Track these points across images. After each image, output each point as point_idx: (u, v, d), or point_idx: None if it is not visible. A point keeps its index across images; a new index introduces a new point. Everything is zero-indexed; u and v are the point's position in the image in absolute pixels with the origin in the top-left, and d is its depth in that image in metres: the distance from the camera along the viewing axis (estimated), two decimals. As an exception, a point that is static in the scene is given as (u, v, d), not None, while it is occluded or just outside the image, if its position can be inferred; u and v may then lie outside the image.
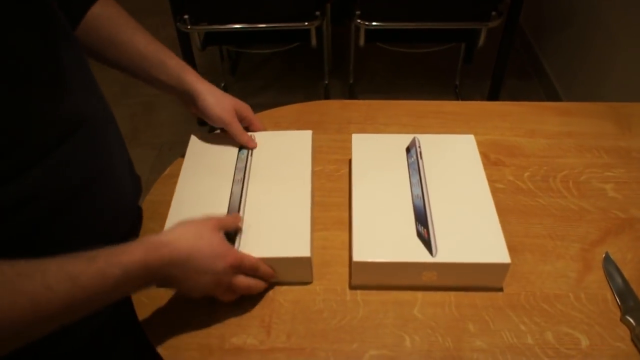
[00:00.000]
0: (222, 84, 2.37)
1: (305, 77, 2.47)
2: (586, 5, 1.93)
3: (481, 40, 1.78)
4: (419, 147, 0.73)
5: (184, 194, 0.67)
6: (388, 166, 0.70)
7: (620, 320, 0.58)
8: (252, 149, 0.73)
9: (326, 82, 2.32)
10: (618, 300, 0.59)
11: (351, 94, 2.33)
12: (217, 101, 0.71)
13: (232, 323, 0.58)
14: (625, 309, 0.58)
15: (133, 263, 0.47)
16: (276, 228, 0.61)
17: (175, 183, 0.76)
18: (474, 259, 0.58)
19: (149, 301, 0.60)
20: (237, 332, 0.58)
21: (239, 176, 0.69)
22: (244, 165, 0.71)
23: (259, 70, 2.54)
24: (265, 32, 1.84)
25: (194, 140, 0.76)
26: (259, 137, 0.75)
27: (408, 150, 0.72)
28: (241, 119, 0.75)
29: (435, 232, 0.61)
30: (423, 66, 2.49)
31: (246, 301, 0.60)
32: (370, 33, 1.84)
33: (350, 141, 0.80)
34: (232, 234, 0.60)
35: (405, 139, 0.74)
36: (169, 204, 0.72)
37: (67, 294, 0.43)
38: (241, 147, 0.74)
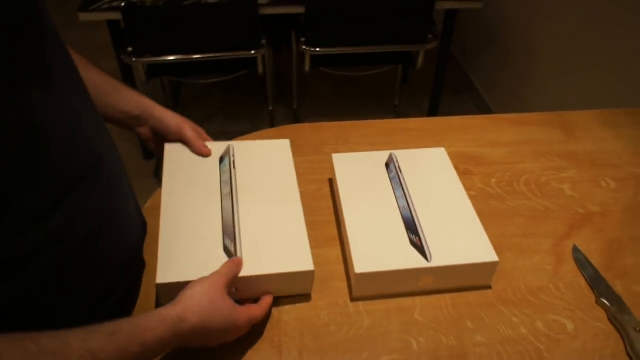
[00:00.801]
0: (166, 116, 2.34)
1: (248, 104, 2.49)
2: (508, 25, 2.11)
3: (420, 62, 1.89)
4: (397, 162, 0.77)
5: (173, 213, 0.66)
6: (371, 182, 0.74)
7: (596, 303, 0.64)
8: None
9: (270, 108, 2.35)
10: (591, 286, 0.66)
11: (296, 119, 2.37)
12: (174, 114, 0.76)
13: (244, 348, 0.59)
14: (599, 293, 0.65)
15: (153, 341, 0.48)
16: (275, 243, 0.63)
17: (159, 214, 0.75)
18: (465, 260, 0.62)
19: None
20: (250, 356, 0.58)
21: (227, 190, 0.69)
22: (228, 177, 0.71)
23: (201, 99, 2.53)
24: (209, 61, 1.85)
25: (170, 150, 0.75)
26: (237, 147, 0.76)
27: (387, 165, 0.77)
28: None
29: (427, 240, 0.65)
30: (363, 88, 2.60)
31: (253, 325, 0.61)
32: (315, 58, 1.91)
33: (327, 162, 0.84)
34: (233, 254, 0.61)
35: (382, 156, 0.79)
36: (155, 236, 0.71)
37: None
38: (222, 159, 0.74)
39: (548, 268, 0.68)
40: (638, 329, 0.60)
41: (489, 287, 0.66)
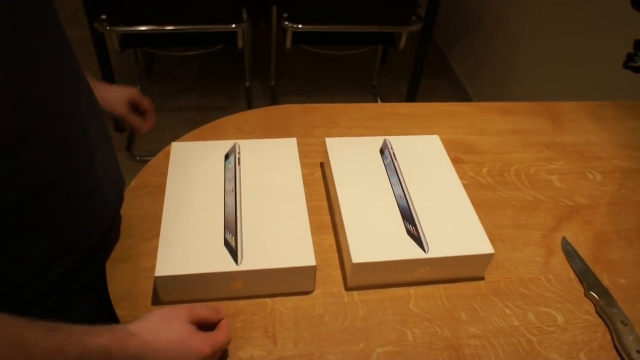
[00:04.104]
0: (138, 88, 2.26)
1: (224, 79, 2.43)
2: (489, 10, 2.11)
3: (402, 43, 1.87)
4: (392, 148, 0.76)
5: (175, 208, 0.64)
6: (366, 168, 0.72)
7: (585, 296, 0.65)
8: (238, 159, 0.72)
9: (248, 84, 2.30)
10: (580, 279, 0.67)
11: (273, 96, 2.33)
12: (105, 96, 0.73)
13: (236, 337, 0.57)
14: (588, 286, 0.66)
15: (95, 347, 0.44)
16: (277, 238, 0.61)
17: (145, 195, 0.72)
18: (462, 252, 0.62)
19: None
20: (243, 345, 0.57)
21: (230, 186, 0.67)
22: (233, 174, 0.69)
23: (176, 73, 2.45)
24: (186, 34, 1.79)
25: (176, 150, 0.73)
26: (244, 145, 0.74)
27: (382, 152, 0.75)
28: (136, 106, 0.81)
29: (424, 230, 0.64)
30: (342, 68, 2.57)
31: (246, 314, 0.59)
32: (296, 35, 1.86)
33: (318, 145, 0.82)
34: (234, 248, 0.59)
35: (376, 141, 0.77)
36: (141, 218, 0.69)
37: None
38: (227, 156, 0.72)
39: (539, 260, 0.69)
40: (625, 322, 0.61)
41: (482, 279, 0.66)
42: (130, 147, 1.96)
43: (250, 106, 2.32)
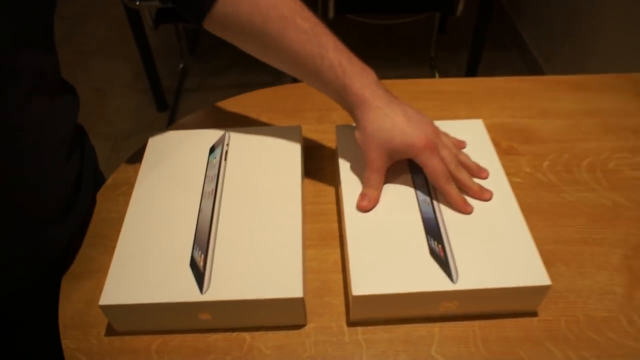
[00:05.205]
0: (181, 66, 2.18)
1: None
2: (567, -32, 1.82)
3: (459, 9, 1.65)
4: (420, 137, 0.60)
5: (139, 217, 0.52)
6: (385, 164, 0.57)
7: (684, 346, 0.47)
8: (225, 152, 0.58)
9: (293, 59, 2.16)
10: (677, 320, 0.48)
11: (321, 72, 2.17)
12: (366, 135, 0.52)
13: (200, 384, 0.45)
14: (688, 332, 0.47)
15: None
16: (258, 258, 0.47)
17: (120, 195, 0.61)
18: (505, 282, 0.46)
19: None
20: (207, 396, 0.44)
21: (210, 187, 0.54)
22: (215, 172, 0.56)
23: (222, 48, 2.35)
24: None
25: (152, 143, 0.60)
26: (235, 136, 0.60)
27: (407, 142, 0.59)
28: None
29: (453, 249, 0.48)
30: (395, 38, 2.36)
31: (216, 352, 0.47)
32: (340, 3, 1.69)
33: (334, 132, 0.67)
34: (200, 270, 0.46)
35: (402, 128, 0.61)
36: (111, 224, 0.58)
37: None
38: (212, 150, 0.59)
39: (618, 291, 0.51)
40: None
41: (535, 314, 0.49)
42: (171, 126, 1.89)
43: (295, 81, 2.19)
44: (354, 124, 0.54)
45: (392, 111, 0.51)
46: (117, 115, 2.01)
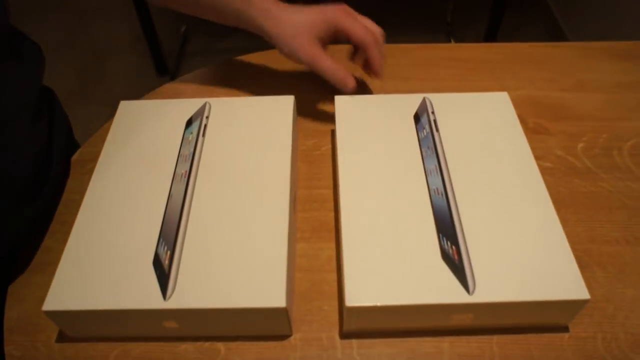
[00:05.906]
0: (183, 28, 2.08)
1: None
2: None
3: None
4: (433, 113, 0.51)
5: (98, 198, 0.44)
6: (389, 144, 0.48)
7: None
8: (204, 126, 0.50)
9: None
10: None
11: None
12: (285, 35, 0.52)
13: (163, 405, 0.38)
14: None
15: None
16: (234, 256, 0.40)
17: (87, 173, 0.54)
18: (532, 295, 0.37)
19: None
20: (170, 420, 0.37)
21: (183, 169, 0.46)
22: (191, 151, 0.48)
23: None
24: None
25: (121, 115, 0.52)
26: (217, 107, 0.52)
27: (417, 118, 0.50)
28: (336, 32, 0.52)
29: (470, 250, 0.40)
30: (409, 3, 2.22)
31: (184, 365, 0.39)
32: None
33: (334, 104, 0.58)
34: (165, 269, 0.39)
35: (411, 101, 0.52)
36: (76, 207, 0.50)
37: None
38: (189, 123, 0.50)
39: (665, 302, 0.42)
40: None
41: (566, 329, 0.41)
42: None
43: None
44: (357, 95, 0.46)
45: (297, 8, 0.52)
46: (115, 79, 1.92)
